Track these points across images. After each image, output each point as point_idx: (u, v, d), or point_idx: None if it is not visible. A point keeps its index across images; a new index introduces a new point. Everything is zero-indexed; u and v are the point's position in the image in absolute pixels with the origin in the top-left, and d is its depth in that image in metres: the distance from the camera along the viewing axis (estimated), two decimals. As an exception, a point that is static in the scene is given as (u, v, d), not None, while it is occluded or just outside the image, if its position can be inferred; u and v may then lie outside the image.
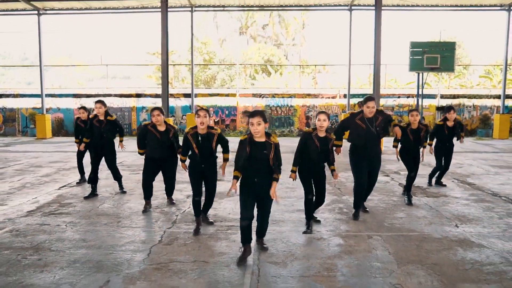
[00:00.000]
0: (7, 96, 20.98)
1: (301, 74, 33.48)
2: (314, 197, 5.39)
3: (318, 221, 5.73)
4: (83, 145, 7.81)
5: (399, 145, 6.81)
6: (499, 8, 17.99)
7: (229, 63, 32.23)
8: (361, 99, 5.91)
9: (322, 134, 5.29)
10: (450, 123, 7.82)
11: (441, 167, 8.04)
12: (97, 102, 7.22)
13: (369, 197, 7.21)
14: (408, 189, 6.93)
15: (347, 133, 6.06)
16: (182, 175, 8.05)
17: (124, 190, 7.67)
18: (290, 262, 4.39)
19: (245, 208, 4.36)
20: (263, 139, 4.31)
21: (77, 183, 8.48)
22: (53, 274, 4.09)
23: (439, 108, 19.72)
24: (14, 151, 14.10)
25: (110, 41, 46.55)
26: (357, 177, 5.92)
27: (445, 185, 8.12)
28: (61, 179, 8.92)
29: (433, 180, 8.26)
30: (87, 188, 7.74)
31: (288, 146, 13.44)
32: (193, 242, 5.01)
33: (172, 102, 19.63)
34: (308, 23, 42.73)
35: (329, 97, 20.65)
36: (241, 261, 4.35)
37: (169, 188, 6.69)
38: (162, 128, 6.21)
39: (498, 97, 19.37)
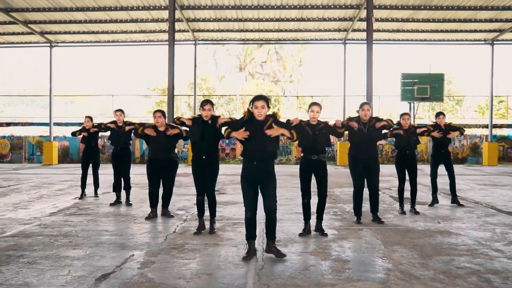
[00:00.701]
0: (16, 124, 21.80)
1: (298, 109, 34.59)
2: (309, 201, 5.51)
3: (325, 234, 5.46)
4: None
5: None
6: (483, 42, 19.22)
7: (229, 98, 33.32)
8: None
9: (314, 123, 5.50)
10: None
11: (435, 175, 7.90)
12: (117, 110, 7.99)
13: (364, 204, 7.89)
14: (400, 200, 7.11)
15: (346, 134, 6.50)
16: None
17: (130, 202, 7.81)
18: (290, 244, 5.02)
19: (248, 200, 4.45)
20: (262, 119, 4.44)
21: (79, 198, 8.59)
22: (84, 250, 4.72)
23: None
24: (25, 173, 14.73)
25: (114, 75, 47.95)
26: (354, 180, 6.24)
27: (462, 205, 7.79)
28: (74, 192, 9.55)
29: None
30: (99, 199, 8.39)
31: (286, 171, 14.15)
32: (204, 232, 5.64)
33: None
34: (305, 60, 44.25)
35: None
36: (245, 259, 4.35)
37: (166, 196, 6.75)
38: (162, 129, 6.50)
39: (487, 126, 20.28)
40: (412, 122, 15.58)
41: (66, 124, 21.72)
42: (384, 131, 6.55)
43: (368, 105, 6.22)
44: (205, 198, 5.67)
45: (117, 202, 7.84)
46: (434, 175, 7.94)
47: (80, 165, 9.11)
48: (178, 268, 4.11)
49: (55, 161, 19.83)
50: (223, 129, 5.01)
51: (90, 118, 8.85)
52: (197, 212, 5.80)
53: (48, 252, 4.61)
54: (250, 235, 4.50)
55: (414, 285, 3.65)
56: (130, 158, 8.05)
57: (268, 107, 4.46)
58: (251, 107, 4.46)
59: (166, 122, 6.68)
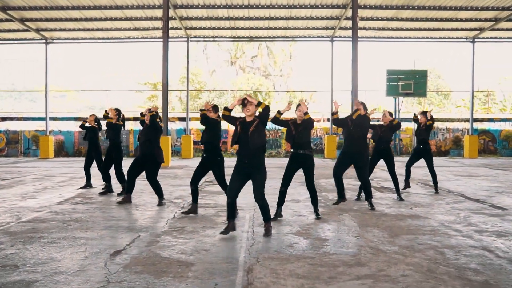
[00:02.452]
0: (11, 119, 22.21)
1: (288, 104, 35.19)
2: (286, 189, 6.17)
3: (319, 218, 6.17)
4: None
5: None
6: (464, 40, 20.00)
7: (219, 92, 33.88)
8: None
9: (299, 122, 6.08)
10: (422, 126, 8.65)
11: (411, 164, 8.70)
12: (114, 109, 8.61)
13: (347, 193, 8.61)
14: (366, 195, 7.14)
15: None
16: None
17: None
18: (276, 227, 5.70)
19: (232, 188, 5.12)
20: (251, 119, 5.12)
21: (81, 187, 9.35)
22: (95, 232, 5.36)
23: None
24: (24, 167, 15.25)
25: (109, 69, 48.21)
26: (335, 165, 7.05)
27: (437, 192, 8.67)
28: (76, 184, 10.14)
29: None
30: (98, 190, 9.05)
31: (275, 163, 14.84)
32: (200, 217, 6.31)
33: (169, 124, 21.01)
34: (295, 55, 44.86)
35: (314, 121, 22.21)
36: (223, 232, 5.10)
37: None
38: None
39: (468, 120, 21.13)
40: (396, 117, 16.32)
41: (62, 119, 22.16)
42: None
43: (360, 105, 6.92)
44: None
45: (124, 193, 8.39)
46: (410, 164, 8.78)
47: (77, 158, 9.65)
48: (180, 246, 4.78)
49: (51, 155, 20.32)
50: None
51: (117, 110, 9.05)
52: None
53: (64, 234, 5.25)
54: (230, 215, 5.19)
55: (380, 257, 4.35)
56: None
57: (257, 106, 5.15)
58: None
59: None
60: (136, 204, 7.41)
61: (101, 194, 8.46)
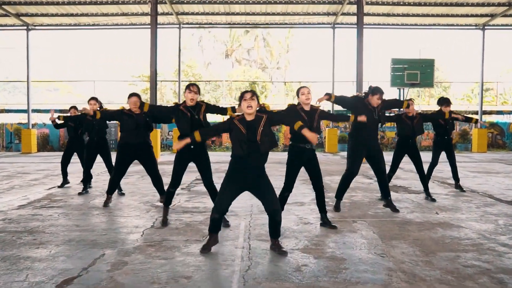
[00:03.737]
0: (-7, 111, 20.94)
1: (286, 96, 34.09)
2: (289, 194, 5.12)
3: (334, 227, 5.05)
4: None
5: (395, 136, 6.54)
6: (474, 27, 18.86)
7: (215, 84, 32.66)
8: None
9: (307, 108, 5.03)
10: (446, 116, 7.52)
11: (436, 164, 7.65)
12: (91, 99, 7.43)
13: (352, 193, 7.50)
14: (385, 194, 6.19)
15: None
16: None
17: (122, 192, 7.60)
18: (279, 240, 4.56)
19: (223, 200, 4.00)
20: (253, 117, 4.01)
21: (58, 186, 8.30)
22: (48, 249, 4.20)
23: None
24: (0, 162, 14.03)
25: (97, 59, 46.75)
26: (351, 163, 5.72)
27: (464, 190, 7.73)
28: (50, 182, 8.97)
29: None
30: (76, 189, 7.85)
31: (273, 159, 13.71)
32: (185, 226, 5.16)
33: (159, 117, 19.79)
34: (292, 47, 43.68)
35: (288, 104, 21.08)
36: (204, 249, 4.09)
37: (157, 183, 6.26)
38: (138, 111, 6.13)
39: (476, 113, 20.05)
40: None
41: (46, 111, 20.87)
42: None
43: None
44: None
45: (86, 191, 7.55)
46: (434, 162, 7.70)
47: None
48: (154, 269, 3.63)
49: (34, 149, 19.10)
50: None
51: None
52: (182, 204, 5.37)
53: (7, 253, 4.09)
54: (215, 229, 4.14)
55: (420, 288, 3.23)
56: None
57: (258, 102, 4.08)
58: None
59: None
60: (110, 208, 6.25)
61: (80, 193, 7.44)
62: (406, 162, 8.18)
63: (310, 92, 5.05)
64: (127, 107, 6.35)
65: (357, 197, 7.22)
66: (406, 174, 10.17)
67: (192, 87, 5.10)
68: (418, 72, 18.07)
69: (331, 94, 5.55)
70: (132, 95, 6.26)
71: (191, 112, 5.03)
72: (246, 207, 6.08)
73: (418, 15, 17.89)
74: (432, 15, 17.86)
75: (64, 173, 8.26)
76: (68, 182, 8.40)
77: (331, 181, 9.06)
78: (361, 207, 6.37)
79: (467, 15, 17.82)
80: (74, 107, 8.28)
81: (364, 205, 6.52)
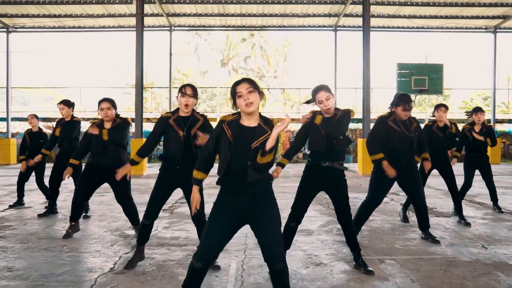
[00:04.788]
0: (-30, 119, 19.57)
1: (283, 105, 32.95)
2: (297, 225, 3.88)
3: (370, 272, 3.71)
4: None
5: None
6: (484, 30, 17.74)
7: (211, 93, 31.48)
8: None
9: (329, 115, 3.80)
10: (477, 127, 6.48)
11: (470, 185, 6.49)
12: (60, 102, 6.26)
13: (370, 217, 6.17)
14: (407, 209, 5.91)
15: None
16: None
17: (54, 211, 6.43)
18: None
19: (211, 242, 2.62)
20: (255, 123, 2.69)
21: (10, 206, 7.06)
22: None
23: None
24: (-32, 176, 12.67)
25: (84, 64, 45.50)
26: (373, 191, 4.57)
27: (502, 211, 6.55)
28: (10, 201, 7.61)
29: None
30: (34, 211, 6.52)
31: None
32: (156, 270, 3.82)
33: (149, 126, 18.50)
34: (290, 55, 42.71)
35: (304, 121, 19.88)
36: None
37: (130, 213, 4.90)
38: (109, 125, 4.81)
39: (488, 121, 18.83)
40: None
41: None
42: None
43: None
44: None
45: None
46: (467, 184, 6.50)
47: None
48: None
49: (13, 160, 17.71)
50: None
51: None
52: (159, 235, 3.98)
53: None
54: (190, 285, 2.66)
55: None
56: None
57: (260, 93, 2.68)
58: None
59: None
60: (66, 240, 4.90)
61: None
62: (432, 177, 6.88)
63: (330, 97, 3.69)
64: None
65: (376, 221, 5.90)
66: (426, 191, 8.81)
67: (186, 88, 3.77)
68: (426, 77, 16.87)
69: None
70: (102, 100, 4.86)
71: (183, 128, 3.75)
72: (237, 242, 4.74)
73: (426, 17, 16.73)
74: (441, 17, 16.70)
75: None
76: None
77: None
78: (383, 237, 5.05)
79: (477, 17, 16.67)
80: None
81: (387, 234, 5.19)
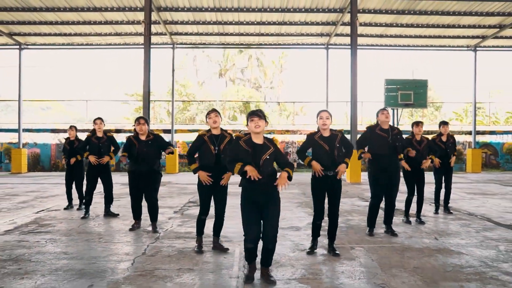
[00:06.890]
0: (-18, 131, 20.64)
1: (279, 116, 34.11)
2: (321, 222, 5.04)
3: (337, 254, 4.90)
4: (73, 159, 7.99)
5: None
6: (465, 49, 19.06)
7: (209, 104, 32.63)
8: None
9: (326, 133, 4.93)
10: (444, 138, 7.77)
11: (440, 187, 7.82)
12: (97, 118, 7.39)
13: (349, 217, 7.36)
14: (406, 213, 7.00)
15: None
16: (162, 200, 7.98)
17: (113, 213, 7.51)
18: (275, 269, 4.40)
19: (250, 223, 3.95)
20: (261, 141, 4.00)
21: (64, 208, 8.21)
22: (34, 280, 4.00)
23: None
24: (-12, 183, 13.74)
25: (90, 78, 46.69)
26: (371, 187, 5.91)
27: (451, 212, 7.76)
28: (39, 205, 8.74)
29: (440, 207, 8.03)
30: (69, 212, 7.67)
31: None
32: (177, 253, 4.98)
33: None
34: (285, 67, 43.96)
35: (307, 133, 21.05)
36: (248, 279, 3.99)
37: (152, 211, 6.15)
38: (144, 138, 6.09)
39: (470, 133, 20.09)
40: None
41: (37, 131, 20.65)
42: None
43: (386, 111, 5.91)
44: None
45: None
46: (438, 186, 7.89)
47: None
48: (144, 303, 3.45)
49: (24, 169, 18.78)
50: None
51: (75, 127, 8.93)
52: (176, 229, 5.33)
53: (-11, 284, 3.89)
54: (252, 258, 4.08)
55: (424, 323, 3.07)
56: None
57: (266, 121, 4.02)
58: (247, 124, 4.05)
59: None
60: (100, 234, 6.05)
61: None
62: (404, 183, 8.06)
63: (329, 117, 4.89)
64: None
65: (354, 220, 7.07)
66: (402, 196, 9.99)
67: (213, 113, 5.03)
68: (411, 92, 18.09)
69: (347, 162, 5.06)
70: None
71: (214, 144, 4.95)
72: (240, 232, 5.89)
73: (411, 36, 18.04)
74: (425, 36, 18.02)
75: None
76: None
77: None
78: (358, 232, 6.22)
79: (458, 37, 18.00)
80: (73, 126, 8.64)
81: (362, 230, 6.36)
